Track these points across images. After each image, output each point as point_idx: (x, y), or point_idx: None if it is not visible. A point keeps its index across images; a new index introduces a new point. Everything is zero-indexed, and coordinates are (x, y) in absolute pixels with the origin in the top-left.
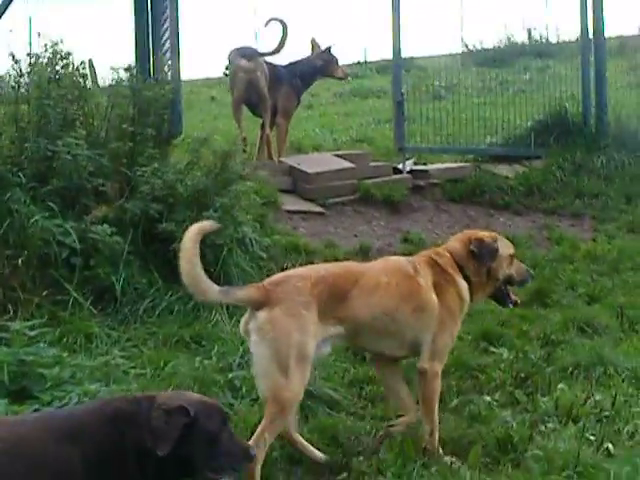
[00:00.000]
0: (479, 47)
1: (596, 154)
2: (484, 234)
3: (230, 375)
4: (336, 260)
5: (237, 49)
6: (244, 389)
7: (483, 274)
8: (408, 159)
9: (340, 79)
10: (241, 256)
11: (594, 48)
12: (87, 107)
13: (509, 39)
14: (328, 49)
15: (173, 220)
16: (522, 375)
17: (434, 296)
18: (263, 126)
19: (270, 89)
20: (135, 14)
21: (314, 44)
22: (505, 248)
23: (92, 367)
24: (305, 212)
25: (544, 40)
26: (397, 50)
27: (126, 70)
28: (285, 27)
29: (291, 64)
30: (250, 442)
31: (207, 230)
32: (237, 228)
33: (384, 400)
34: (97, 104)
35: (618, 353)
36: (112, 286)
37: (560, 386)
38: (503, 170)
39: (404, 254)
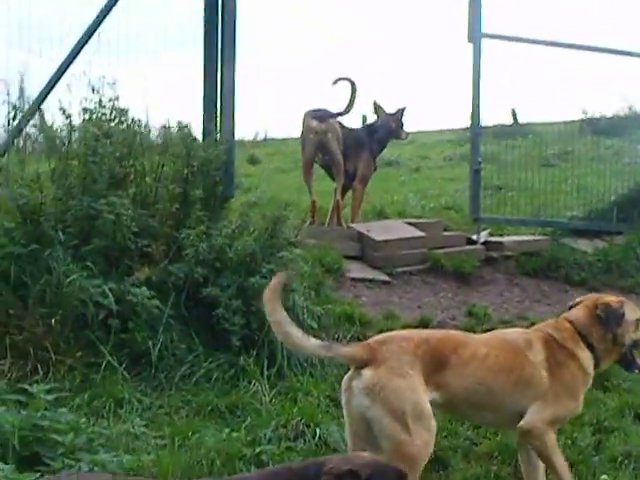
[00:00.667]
0: (597, 115)
1: None
2: (611, 299)
3: (258, 449)
4: None
5: (310, 110)
6: (271, 464)
7: (609, 340)
8: (483, 230)
9: (403, 139)
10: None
11: None
12: (138, 165)
13: (630, 108)
14: (401, 111)
15: (218, 285)
16: (568, 463)
17: (543, 372)
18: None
19: (351, 154)
20: (205, 75)
21: (377, 106)
22: (631, 312)
23: (110, 435)
24: (370, 280)
25: None
26: (476, 117)
27: (180, 129)
28: (354, 87)
29: (369, 127)
30: None
31: (283, 281)
32: (288, 296)
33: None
34: (152, 163)
35: None
36: (148, 350)
37: (603, 477)
38: (582, 245)
39: (466, 329)
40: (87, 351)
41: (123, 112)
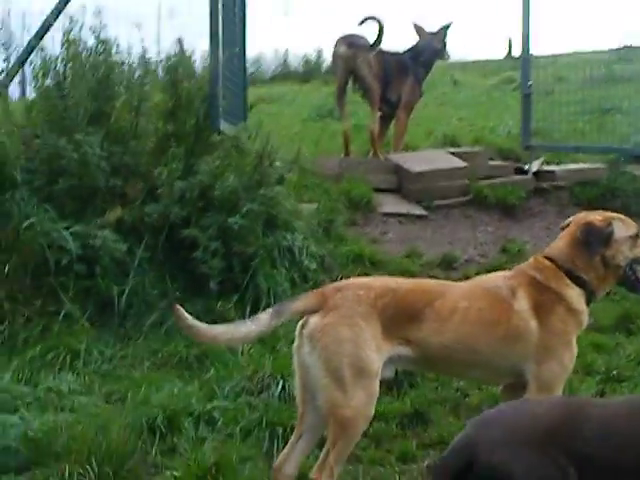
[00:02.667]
0: None
1: None
2: (595, 217)
3: (210, 405)
4: (402, 274)
5: (341, 37)
6: (220, 422)
7: (599, 266)
8: (536, 159)
9: (445, 59)
10: (281, 267)
11: None
12: (116, 100)
13: None
14: (445, 29)
15: (199, 226)
16: None
17: (533, 322)
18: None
19: (394, 80)
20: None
21: (418, 27)
22: (623, 229)
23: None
24: (403, 215)
25: None
26: (526, 43)
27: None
28: (381, 24)
29: (412, 50)
30: (314, 474)
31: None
32: (277, 235)
33: None
34: (132, 97)
35: None
36: (116, 298)
37: None
38: None
39: (495, 267)
40: (48, 299)
41: (105, 43)
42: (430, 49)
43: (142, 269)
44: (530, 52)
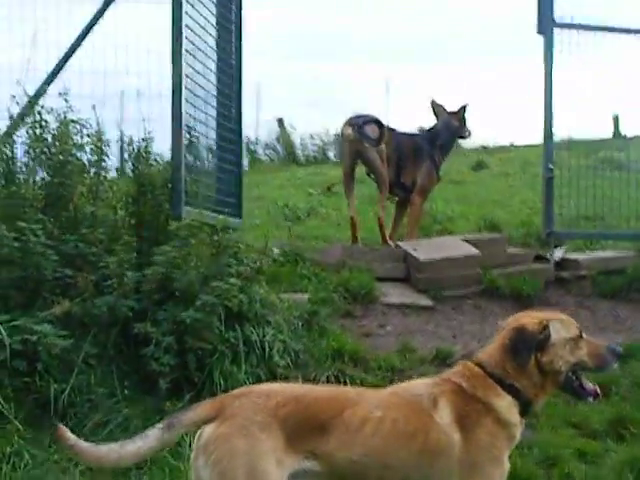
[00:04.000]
0: None
1: None
2: (529, 319)
3: None
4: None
5: (349, 118)
6: None
7: (533, 373)
8: (558, 246)
9: (466, 138)
10: (246, 363)
11: None
12: (72, 187)
13: None
14: (463, 108)
15: (154, 320)
16: None
17: (456, 435)
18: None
19: (408, 163)
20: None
21: (435, 105)
22: (562, 332)
23: None
24: (407, 306)
25: None
26: (549, 123)
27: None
28: (383, 126)
29: (430, 132)
30: None
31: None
32: (245, 329)
33: None
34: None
35: None
36: (56, 396)
37: None
38: None
39: None
40: None
41: (66, 125)
42: (449, 130)
43: (88, 366)
44: (553, 132)
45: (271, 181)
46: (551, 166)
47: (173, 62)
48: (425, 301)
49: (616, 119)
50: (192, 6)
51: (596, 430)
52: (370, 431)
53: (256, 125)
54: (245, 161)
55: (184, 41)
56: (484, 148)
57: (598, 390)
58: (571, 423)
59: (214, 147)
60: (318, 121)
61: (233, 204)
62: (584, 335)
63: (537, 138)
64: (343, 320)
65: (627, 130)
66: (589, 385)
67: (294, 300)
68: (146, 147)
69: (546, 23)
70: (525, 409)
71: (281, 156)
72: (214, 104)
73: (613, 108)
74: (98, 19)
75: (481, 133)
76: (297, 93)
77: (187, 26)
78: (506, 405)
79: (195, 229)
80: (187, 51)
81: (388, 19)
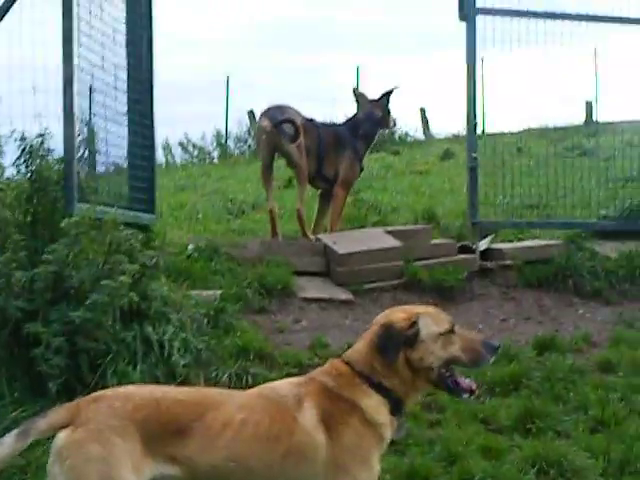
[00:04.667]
0: None
1: None
2: (398, 315)
3: None
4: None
5: (267, 109)
6: None
7: (403, 370)
8: (486, 236)
9: (391, 129)
10: (143, 363)
11: None
12: None
13: None
14: (386, 96)
15: (44, 320)
16: None
17: (321, 437)
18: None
19: (330, 155)
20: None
21: (358, 94)
22: (433, 327)
23: None
24: (326, 300)
25: None
26: (472, 113)
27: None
28: (297, 126)
29: (351, 121)
30: None
31: None
32: (144, 328)
33: None
34: None
35: None
36: None
37: None
38: (608, 249)
39: None
40: None
41: None
42: (371, 119)
43: None
44: (476, 123)
45: (238, 175)
46: (475, 155)
47: (64, 55)
48: (344, 295)
49: (589, 106)
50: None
51: (503, 425)
52: (232, 434)
53: (226, 118)
54: (215, 154)
55: (77, 34)
56: (455, 137)
57: (474, 386)
58: (478, 418)
59: (124, 142)
60: None
61: (145, 200)
62: (457, 329)
63: (509, 126)
64: (257, 316)
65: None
66: (464, 381)
67: (205, 297)
68: (42, 143)
69: (469, 10)
70: (396, 408)
71: (252, 149)
72: (124, 99)
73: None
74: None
75: (453, 121)
76: (275, 84)
77: (81, 18)
78: (374, 404)
79: (86, 226)
80: (82, 44)
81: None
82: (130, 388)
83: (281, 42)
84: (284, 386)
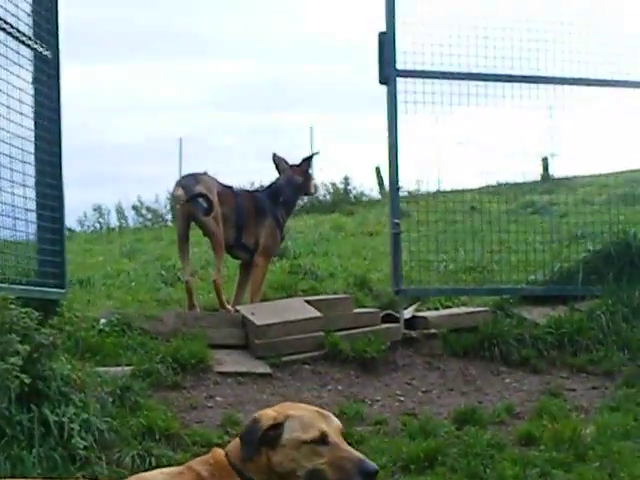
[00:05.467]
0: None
1: None
2: (267, 413)
3: None
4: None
5: (181, 177)
6: None
7: (267, 470)
8: (411, 304)
9: (312, 195)
10: (40, 448)
11: None
12: None
13: None
14: (307, 161)
15: None
16: None
17: None
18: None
19: (249, 223)
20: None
21: (277, 159)
22: (297, 432)
23: None
24: (243, 374)
25: None
26: (394, 175)
27: None
28: (205, 195)
29: (271, 188)
30: None
31: None
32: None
33: None
34: None
35: None
36: None
37: None
38: (536, 315)
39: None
40: None
41: None
42: (291, 185)
43: None
44: (399, 187)
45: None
46: (397, 221)
47: None
48: (262, 368)
49: (545, 161)
50: None
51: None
52: None
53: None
54: (169, 217)
55: None
56: (411, 195)
57: None
58: None
59: (31, 214)
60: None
61: (54, 274)
62: (332, 440)
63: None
64: (169, 392)
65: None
66: None
67: (113, 374)
68: None
69: (389, 72)
70: None
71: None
72: (29, 169)
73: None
74: None
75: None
76: (231, 144)
77: None
78: None
79: None
80: None
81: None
82: None
83: (234, 102)
84: (157, 477)
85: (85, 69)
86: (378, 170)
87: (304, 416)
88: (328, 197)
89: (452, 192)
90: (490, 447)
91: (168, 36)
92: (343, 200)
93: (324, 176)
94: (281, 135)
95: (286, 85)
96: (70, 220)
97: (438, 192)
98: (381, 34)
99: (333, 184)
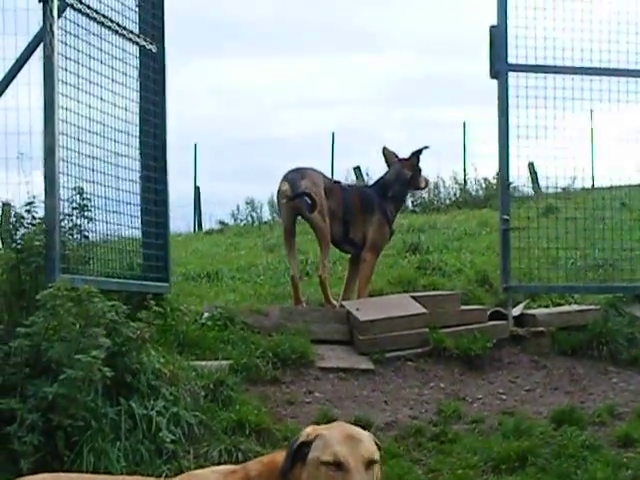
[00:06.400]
0: None
1: None
2: (307, 430)
3: None
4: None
5: (287, 172)
6: None
7: None
8: (519, 302)
9: (422, 190)
10: (126, 440)
11: None
12: None
13: None
14: (418, 153)
15: (21, 395)
16: None
17: None
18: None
19: (357, 219)
20: None
21: (387, 153)
22: (318, 451)
23: None
24: (345, 370)
25: None
26: (504, 172)
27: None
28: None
29: (379, 183)
30: None
31: None
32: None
33: None
34: None
35: None
36: None
37: None
38: None
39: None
40: None
41: None
42: (399, 180)
43: None
44: (510, 183)
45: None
46: (507, 217)
47: (45, 122)
48: (365, 364)
49: None
50: (77, 62)
51: None
52: None
53: (331, 174)
54: None
55: (59, 99)
56: (564, 191)
57: None
58: None
59: (130, 209)
60: None
61: (158, 268)
62: (347, 467)
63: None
64: (268, 387)
65: None
66: None
67: (210, 368)
68: (28, 212)
69: (500, 66)
70: None
71: None
72: (128, 164)
73: None
74: None
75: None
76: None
77: (67, 82)
78: None
79: (63, 298)
80: (66, 108)
81: None
82: (44, 476)
83: (391, 96)
84: (208, 475)
85: (250, 63)
86: (532, 165)
87: (328, 437)
88: (480, 192)
89: (603, 189)
90: (584, 448)
91: (332, 31)
92: (495, 195)
93: (476, 173)
94: (437, 130)
95: (443, 80)
96: (224, 213)
97: (592, 188)
98: (492, 27)
99: (485, 179)
